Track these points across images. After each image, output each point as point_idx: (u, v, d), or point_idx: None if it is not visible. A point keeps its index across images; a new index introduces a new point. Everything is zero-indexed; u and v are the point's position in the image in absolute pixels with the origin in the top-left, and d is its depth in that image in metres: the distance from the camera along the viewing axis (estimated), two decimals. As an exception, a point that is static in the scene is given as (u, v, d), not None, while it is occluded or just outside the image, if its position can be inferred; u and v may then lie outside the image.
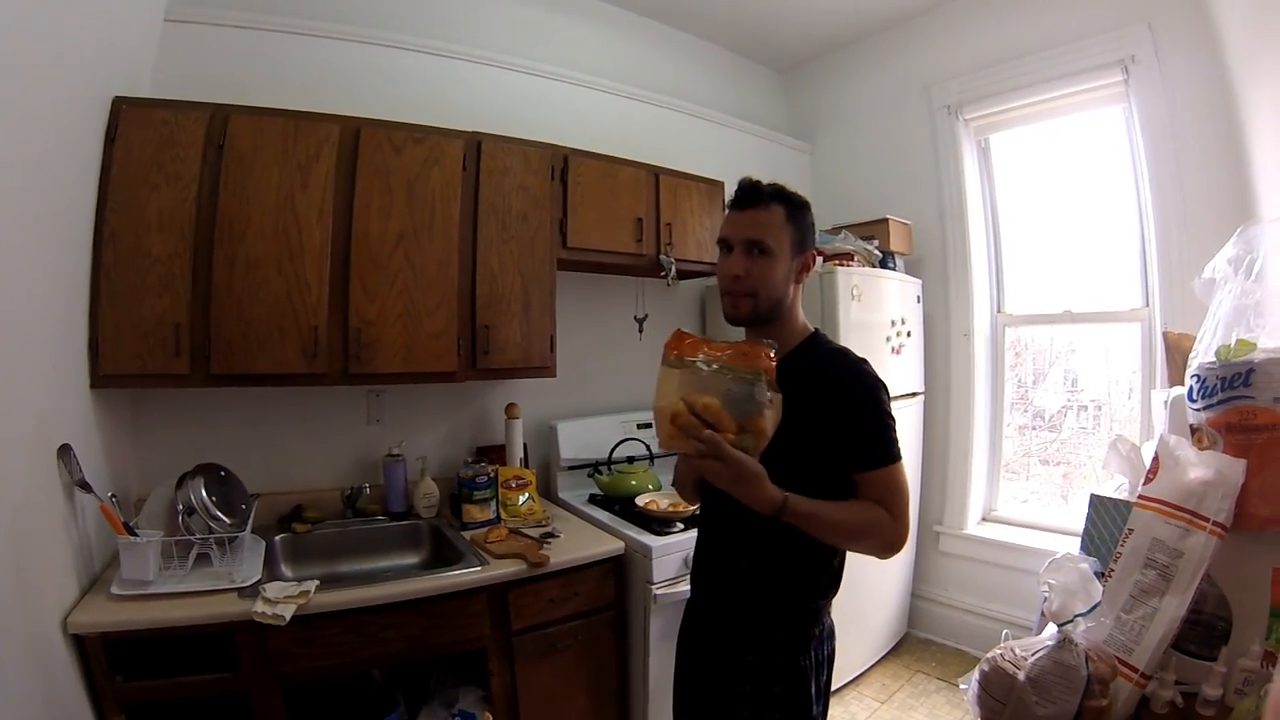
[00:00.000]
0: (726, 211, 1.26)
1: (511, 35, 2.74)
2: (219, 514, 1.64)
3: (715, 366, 1.04)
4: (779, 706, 1.22)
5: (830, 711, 2.49)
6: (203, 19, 2.05)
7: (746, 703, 1.22)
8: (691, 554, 1.43)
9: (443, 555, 2.00)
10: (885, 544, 1.16)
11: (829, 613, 1.30)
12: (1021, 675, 1.15)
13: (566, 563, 1.87)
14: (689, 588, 1.42)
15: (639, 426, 2.62)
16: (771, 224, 1.21)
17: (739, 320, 1.24)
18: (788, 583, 1.22)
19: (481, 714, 1.79)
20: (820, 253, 2.61)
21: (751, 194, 1.23)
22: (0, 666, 1.10)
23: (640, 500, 2.22)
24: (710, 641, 1.31)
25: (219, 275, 1.75)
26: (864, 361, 1.23)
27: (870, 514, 1.15)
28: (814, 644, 1.25)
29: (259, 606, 1.45)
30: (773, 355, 1.03)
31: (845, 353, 1.25)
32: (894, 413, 1.20)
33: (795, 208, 1.24)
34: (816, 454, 1.16)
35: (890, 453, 1.17)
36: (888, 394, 1.21)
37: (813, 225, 1.27)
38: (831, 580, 1.27)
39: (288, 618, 1.45)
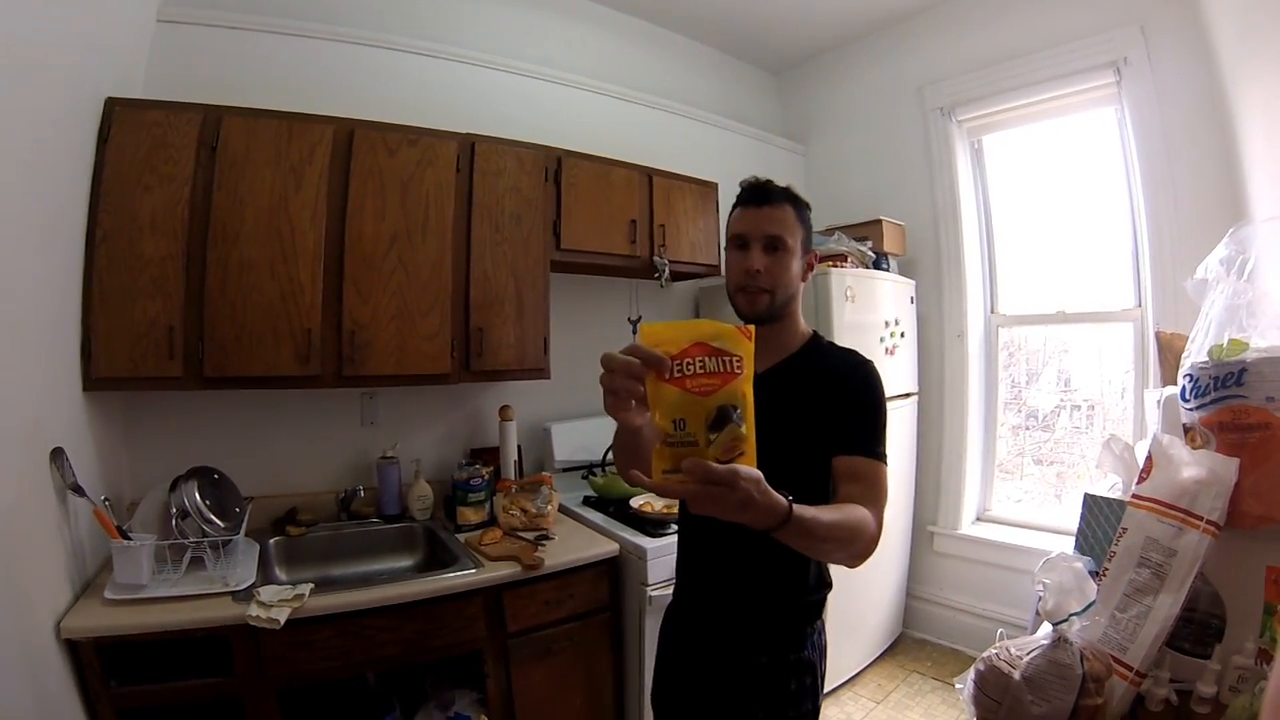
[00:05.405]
0: (735, 210, 1.24)
1: (505, 37, 2.74)
2: (213, 517, 1.63)
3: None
4: (795, 701, 1.20)
5: (825, 712, 2.52)
6: (195, 20, 2.04)
7: (760, 702, 1.19)
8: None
9: (437, 558, 1.99)
10: (864, 549, 1.04)
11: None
12: (1017, 674, 1.16)
13: (561, 565, 1.86)
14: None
15: (634, 428, 2.61)
16: (787, 221, 1.19)
17: (754, 318, 1.18)
18: (790, 579, 1.19)
19: (477, 717, 1.79)
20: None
21: (765, 192, 1.20)
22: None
23: (635, 502, 2.22)
24: (712, 645, 1.24)
25: (212, 277, 1.74)
26: (873, 363, 1.22)
27: (857, 513, 1.01)
28: (817, 634, 1.25)
29: (253, 610, 1.44)
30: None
31: (855, 352, 1.25)
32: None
33: (802, 208, 1.24)
34: (812, 445, 1.12)
35: (881, 449, 1.13)
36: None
37: (811, 227, 1.27)
38: (826, 570, 1.26)
39: (282, 621, 1.44)
